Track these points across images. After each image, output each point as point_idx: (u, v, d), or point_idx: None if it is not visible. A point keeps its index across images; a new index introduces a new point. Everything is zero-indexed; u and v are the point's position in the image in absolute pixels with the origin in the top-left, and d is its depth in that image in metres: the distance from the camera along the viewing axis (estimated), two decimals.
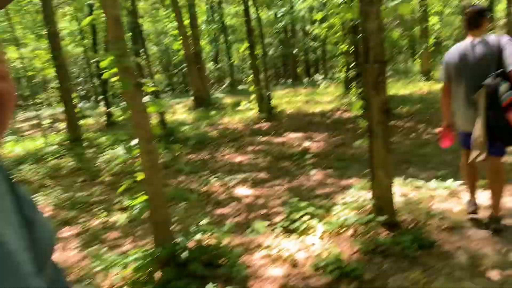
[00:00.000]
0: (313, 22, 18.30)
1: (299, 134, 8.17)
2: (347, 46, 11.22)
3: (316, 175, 5.47)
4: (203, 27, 20.66)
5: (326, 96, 14.48)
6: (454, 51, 3.18)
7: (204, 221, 3.74)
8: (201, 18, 20.33)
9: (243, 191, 5.22)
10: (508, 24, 22.72)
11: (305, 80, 23.46)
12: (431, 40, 15.55)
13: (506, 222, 3.14)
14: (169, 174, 6.15)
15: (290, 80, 23.10)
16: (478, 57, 3.00)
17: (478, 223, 3.25)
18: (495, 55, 2.91)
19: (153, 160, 3.14)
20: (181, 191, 5.28)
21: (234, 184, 5.43)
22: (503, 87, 2.85)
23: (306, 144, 7.29)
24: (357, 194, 3.90)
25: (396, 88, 14.06)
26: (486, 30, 3.14)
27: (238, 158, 6.90)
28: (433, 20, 15.63)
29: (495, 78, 2.89)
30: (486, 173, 3.23)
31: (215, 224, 3.88)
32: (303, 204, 3.76)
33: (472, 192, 3.41)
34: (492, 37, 3.02)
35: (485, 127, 2.92)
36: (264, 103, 10.96)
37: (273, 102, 11.25)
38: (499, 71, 2.89)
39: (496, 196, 3.12)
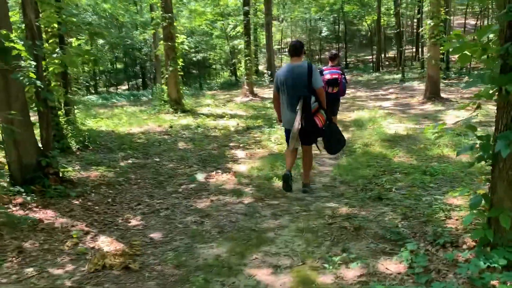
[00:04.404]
0: None
1: None
2: None
3: None
4: None
5: None
6: (282, 70, 4.52)
7: None
8: None
9: None
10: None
11: None
12: (180, 62, 12.78)
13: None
14: None
15: None
16: (296, 76, 4.30)
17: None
18: (307, 76, 4.25)
19: None
20: None
21: None
22: (312, 99, 4.29)
23: None
24: None
25: (131, 123, 10.51)
26: (302, 58, 4.48)
27: None
28: (181, 38, 12.99)
29: (307, 92, 4.26)
30: (302, 155, 4.70)
31: None
32: None
33: (290, 167, 4.54)
34: (304, 63, 4.37)
35: (300, 125, 4.26)
36: None
37: None
38: (310, 88, 4.28)
39: (307, 170, 4.65)
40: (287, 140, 4.54)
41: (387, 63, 29.58)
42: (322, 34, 33.07)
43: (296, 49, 4.40)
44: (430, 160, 5.57)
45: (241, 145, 7.28)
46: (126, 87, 29.60)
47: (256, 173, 5.42)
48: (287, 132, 4.51)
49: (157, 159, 6.64)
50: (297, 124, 4.22)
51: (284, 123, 4.54)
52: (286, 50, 39.97)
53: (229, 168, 5.77)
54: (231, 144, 7.50)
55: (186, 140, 8.17)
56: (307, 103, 4.22)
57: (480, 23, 25.18)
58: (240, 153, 6.71)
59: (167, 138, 8.51)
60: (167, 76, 12.56)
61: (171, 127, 9.90)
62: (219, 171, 5.58)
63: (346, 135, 7.73)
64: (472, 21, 27.85)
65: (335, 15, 31.58)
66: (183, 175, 5.60)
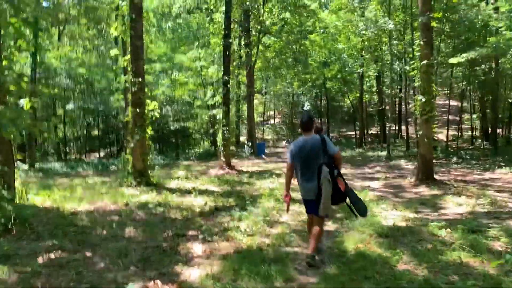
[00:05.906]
0: None
1: None
2: None
3: None
4: None
5: None
6: (297, 143, 4.72)
7: None
8: None
9: None
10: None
11: None
12: (149, 130, 11.58)
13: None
14: None
15: None
16: (311, 146, 4.52)
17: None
18: (321, 145, 4.47)
19: None
20: None
21: None
22: (333, 165, 4.48)
23: None
24: None
25: (82, 199, 8.92)
26: (313, 131, 4.74)
27: None
28: (152, 105, 11.96)
29: (327, 159, 4.43)
30: (313, 225, 4.60)
31: None
32: None
33: (313, 250, 4.47)
34: (316, 135, 4.60)
35: (330, 192, 4.37)
36: None
37: None
38: (328, 155, 4.47)
39: (315, 240, 4.49)
40: (308, 211, 4.78)
41: (369, 139, 29.21)
42: (305, 109, 33.01)
43: (307, 124, 4.70)
44: (446, 270, 4.18)
45: (201, 235, 5.77)
46: (102, 154, 28.13)
47: (211, 285, 3.89)
48: (306, 202, 4.73)
49: (89, 253, 5.06)
50: (327, 191, 4.35)
51: (303, 194, 4.71)
52: (269, 122, 39.69)
53: (176, 275, 4.22)
54: (190, 232, 5.98)
55: (138, 224, 6.62)
56: (330, 168, 4.40)
57: (461, 104, 25.33)
58: (197, 248, 5.19)
59: (116, 220, 6.94)
60: (132, 145, 11.26)
61: (126, 205, 8.36)
62: (158, 281, 4.00)
63: (334, 226, 6.38)
64: (454, 102, 28.16)
65: (318, 90, 31.77)
66: (111, 284, 4.02)
